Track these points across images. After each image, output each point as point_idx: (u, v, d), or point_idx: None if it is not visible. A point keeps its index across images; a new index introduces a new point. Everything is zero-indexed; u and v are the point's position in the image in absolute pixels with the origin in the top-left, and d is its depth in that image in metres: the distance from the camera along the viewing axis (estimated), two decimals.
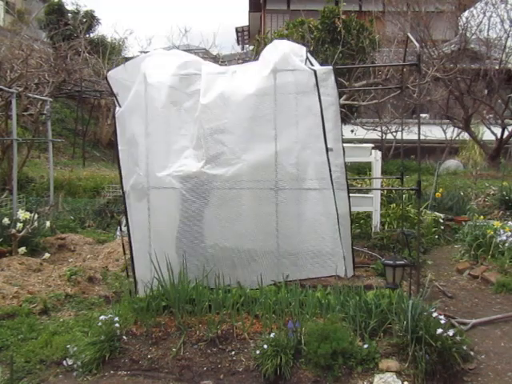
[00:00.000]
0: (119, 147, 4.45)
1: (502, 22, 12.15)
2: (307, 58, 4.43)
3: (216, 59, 12.94)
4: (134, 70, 4.51)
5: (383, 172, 7.66)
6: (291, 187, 4.29)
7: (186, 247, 4.28)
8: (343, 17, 10.84)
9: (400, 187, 6.07)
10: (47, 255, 5.95)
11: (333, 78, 4.26)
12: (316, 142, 4.20)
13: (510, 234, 5.60)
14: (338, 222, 4.23)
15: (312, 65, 4.52)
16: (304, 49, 4.47)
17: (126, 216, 4.46)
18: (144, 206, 4.35)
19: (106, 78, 4.60)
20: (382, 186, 6.93)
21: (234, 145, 4.25)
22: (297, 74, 4.23)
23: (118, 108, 4.49)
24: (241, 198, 4.28)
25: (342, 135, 4.42)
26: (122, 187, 4.50)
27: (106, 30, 48.34)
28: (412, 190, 5.79)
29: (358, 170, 10.50)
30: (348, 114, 11.56)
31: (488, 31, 12.38)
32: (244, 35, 26.14)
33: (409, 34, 4.85)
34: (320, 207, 4.29)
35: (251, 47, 18.43)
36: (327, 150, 4.16)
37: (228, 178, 4.24)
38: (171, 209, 4.32)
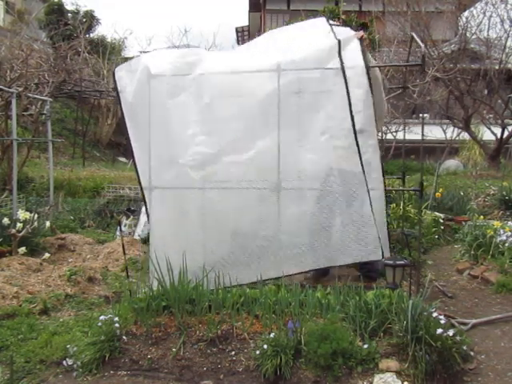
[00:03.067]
0: (133, 145, 4.45)
1: (502, 21, 12.12)
2: (331, 29, 4.30)
3: None
4: (139, 64, 4.50)
5: (383, 172, 7.62)
6: (309, 172, 4.21)
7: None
8: (343, 17, 10.85)
9: (401, 187, 6.06)
10: (47, 255, 5.94)
11: (363, 64, 4.07)
12: (342, 124, 4.13)
13: (510, 233, 5.59)
14: (370, 204, 4.12)
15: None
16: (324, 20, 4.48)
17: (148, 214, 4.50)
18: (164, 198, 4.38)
19: (113, 74, 4.56)
20: None
21: (246, 132, 4.22)
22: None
23: (124, 104, 4.46)
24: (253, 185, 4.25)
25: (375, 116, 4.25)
26: (140, 185, 4.46)
27: (105, 29, 48.27)
28: (414, 190, 5.77)
29: None
30: None
31: (488, 31, 12.34)
32: (244, 35, 26.12)
33: (413, 34, 4.82)
34: (348, 190, 4.20)
35: None
36: (355, 132, 4.06)
37: (241, 163, 4.22)
38: (190, 198, 4.32)
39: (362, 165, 4.10)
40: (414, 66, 4.97)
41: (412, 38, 4.87)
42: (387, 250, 4.28)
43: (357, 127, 4.07)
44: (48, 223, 6.72)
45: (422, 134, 4.41)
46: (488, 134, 13.14)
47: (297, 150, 4.23)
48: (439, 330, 3.35)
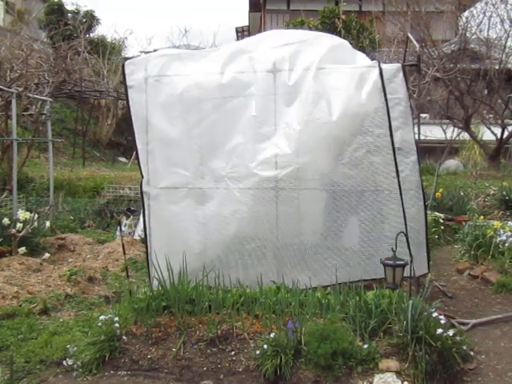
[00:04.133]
0: (138, 146, 4.36)
1: (502, 21, 12.11)
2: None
3: None
4: (164, 64, 4.36)
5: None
6: (345, 187, 4.25)
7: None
8: (343, 17, 10.86)
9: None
10: (47, 255, 5.95)
11: (401, 75, 4.18)
12: (378, 141, 4.15)
13: (510, 233, 5.59)
14: (405, 222, 4.08)
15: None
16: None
17: (144, 217, 4.42)
18: (186, 207, 4.34)
19: (123, 67, 4.35)
20: None
21: (286, 148, 4.19)
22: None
23: (135, 105, 4.31)
24: (296, 199, 4.27)
25: (414, 133, 4.29)
26: (141, 187, 4.41)
27: (105, 30, 48.29)
28: None
29: None
30: None
31: (488, 31, 12.33)
32: (244, 35, 26.10)
33: (409, 34, 4.86)
34: (380, 207, 4.26)
35: None
36: (394, 149, 4.05)
37: (280, 179, 4.21)
38: (225, 209, 4.30)
39: (399, 182, 4.08)
40: (410, 66, 5.00)
41: (407, 38, 4.90)
42: (423, 269, 4.41)
43: (396, 145, 4.06)
44: (48, 223, 6.72)
45: (419, 134, 4.43)
46: (488, 134, 13.14)
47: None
48: (439, 330, 3.35)
